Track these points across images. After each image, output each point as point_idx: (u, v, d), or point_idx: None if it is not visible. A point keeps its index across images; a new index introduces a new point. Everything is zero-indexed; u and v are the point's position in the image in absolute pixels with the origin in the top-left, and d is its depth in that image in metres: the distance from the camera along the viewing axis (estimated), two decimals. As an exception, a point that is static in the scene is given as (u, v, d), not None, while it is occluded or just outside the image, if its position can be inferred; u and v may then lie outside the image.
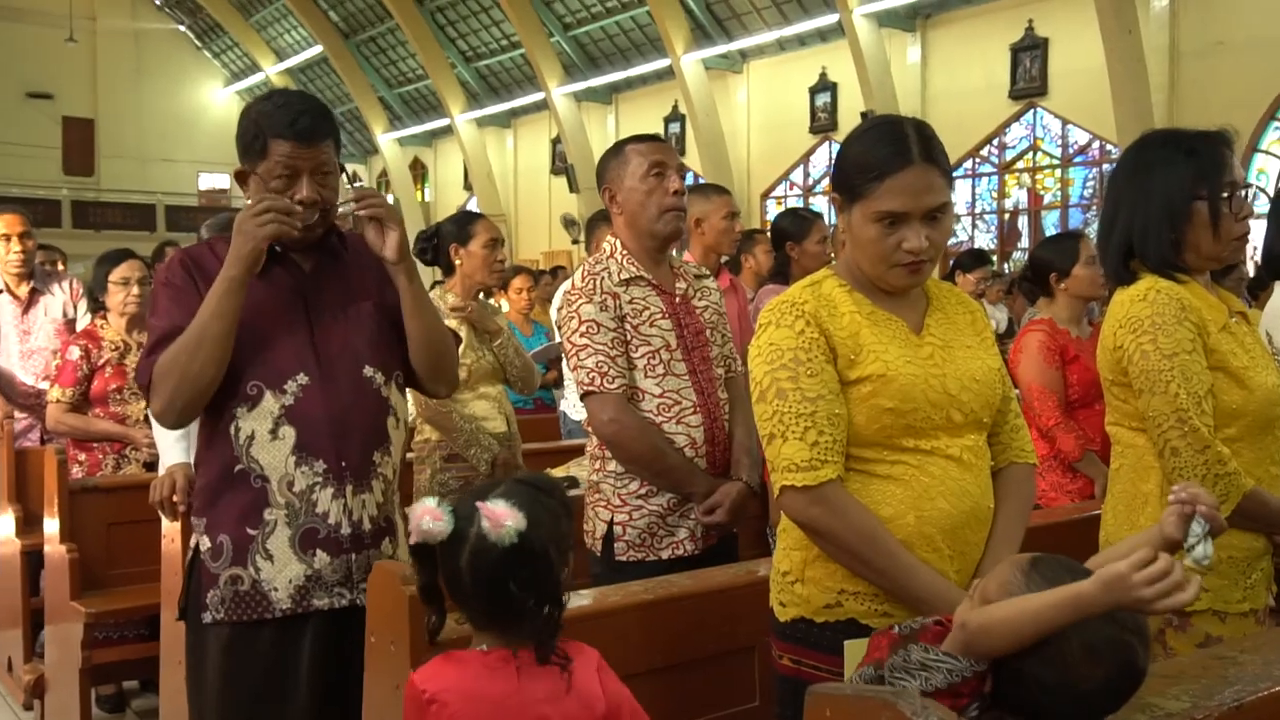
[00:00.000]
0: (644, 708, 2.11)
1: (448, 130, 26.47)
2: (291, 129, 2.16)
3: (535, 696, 1.62)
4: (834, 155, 2.00)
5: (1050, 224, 16.44)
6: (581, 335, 2.64)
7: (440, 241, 3.72)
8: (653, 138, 2.83)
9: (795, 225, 4.54)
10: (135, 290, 4.18)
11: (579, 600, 2.14)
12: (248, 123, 2.23)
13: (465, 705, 1.60)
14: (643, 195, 2.71)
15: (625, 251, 2.75)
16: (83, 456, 4.21)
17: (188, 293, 2.18)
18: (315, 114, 2.21)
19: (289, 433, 2.16)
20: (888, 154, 1.81)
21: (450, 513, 1.64)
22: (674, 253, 2.91)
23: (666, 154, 2.75)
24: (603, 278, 2.69)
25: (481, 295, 3.91)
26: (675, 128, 21.51)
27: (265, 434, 2.16)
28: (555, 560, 1.65)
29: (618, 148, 2.81)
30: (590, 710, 1.65)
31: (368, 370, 2.26)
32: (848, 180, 1.86)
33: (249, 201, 2.24)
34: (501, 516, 1.60)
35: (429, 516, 1.62)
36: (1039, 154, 16.72)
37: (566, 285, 2.87)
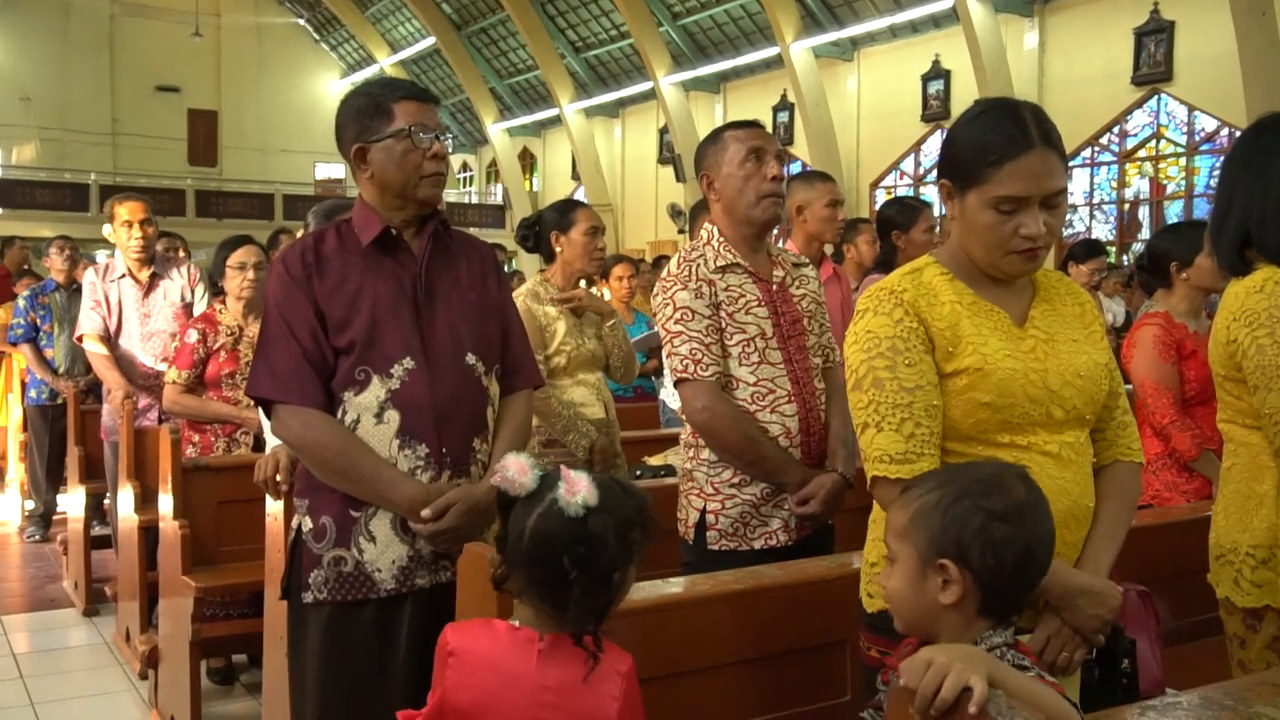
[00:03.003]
0: (732, 699, 2.09)
1: (556, 120, 26.70)
2: (414, 89, 2.30)
3: (544, 683, 1.62)
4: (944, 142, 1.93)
5: (1173, 214, 15.84)
6: (676, 322, 2.62)
7: (541, 229, 3.74)
8: (751, 123, 2.78)
9: (902, 214, 4.43)
10: (251, 275, 4.29)
11: (669, 588, 2.14)
12: (362, 100, 2.29)
13: (478, 668, 1.63)
14: (740, 181, 2.68)
15: (722, 239, 2.72)
16: (196, 438, 4.33)
17: (300, 288, 2.22)
18: None
19: (394, 417, 2.19)
20: (1007, 137, 1.75)
21: (539, 474, 1.68)
22: (779, 242, 2.86)
23: (765, 139, 2.71)
24: (698, 264, 2.67)
25: (583, 283, 3.91)
26: (784, 116, 21.31)
27: (370, 418, 2.20)
28: (614, 551, 1.64)
29: (715, 134, 2.78)
30: (598, 714, 1.62)
31: (470, 358, 2.28)
32: (962, 165, 1.80)
33: (363, 183, 2.29)
34: (577, 486, 1.63)
35: (517, 469, 1.67)
36: (1162, 142, 16.10)
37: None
